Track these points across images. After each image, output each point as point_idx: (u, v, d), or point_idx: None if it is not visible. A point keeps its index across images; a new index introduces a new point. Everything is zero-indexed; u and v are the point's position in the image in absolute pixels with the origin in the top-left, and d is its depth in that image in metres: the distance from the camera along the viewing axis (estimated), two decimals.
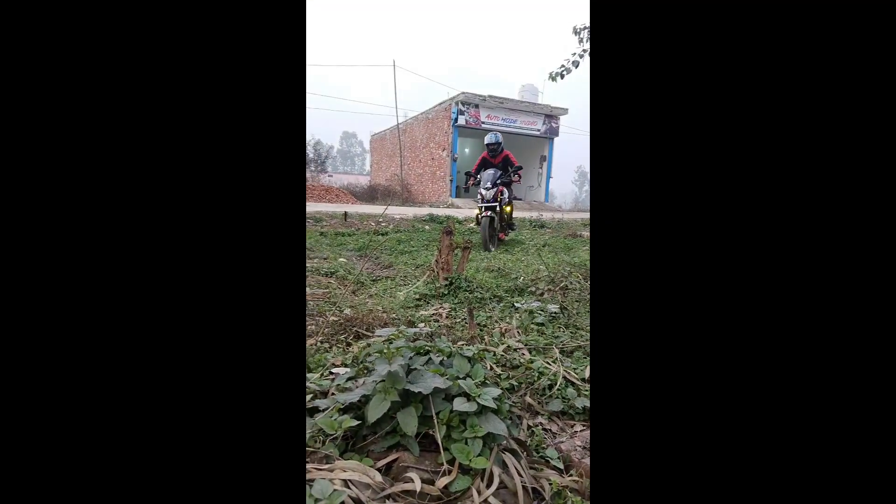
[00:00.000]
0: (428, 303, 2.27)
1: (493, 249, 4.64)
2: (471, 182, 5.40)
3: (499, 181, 5.02)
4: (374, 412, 0.87)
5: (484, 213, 4.82)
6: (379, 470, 0.83)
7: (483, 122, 16.43)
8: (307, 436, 0.86)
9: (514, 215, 5.95)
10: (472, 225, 6.90)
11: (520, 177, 5.17)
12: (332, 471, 0.78)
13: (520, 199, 5.41)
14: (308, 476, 0.77)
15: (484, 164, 5.32)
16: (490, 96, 16.56)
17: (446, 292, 2.40)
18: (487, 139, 5.31)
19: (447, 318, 1.99)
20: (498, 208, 4.94)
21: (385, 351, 1.04)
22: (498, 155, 5.27)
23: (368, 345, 1.42)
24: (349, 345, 1.58)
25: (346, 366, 1.30)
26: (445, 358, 1.16)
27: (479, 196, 5.07)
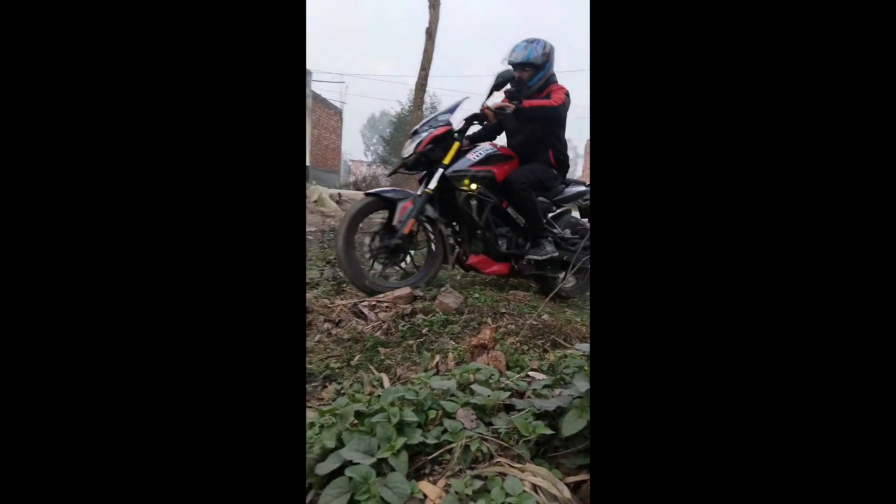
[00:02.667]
0: None
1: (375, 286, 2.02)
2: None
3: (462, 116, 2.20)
4: (570, 427, 0.86)
5: (368, 194, 2.13)
6: (567, 486, 0.82)
7: None
8: (502, 431, 0.92)
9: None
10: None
11: (549, 110, 2.17)
12: (522, 471, 0.81)
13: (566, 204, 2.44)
14: (499, 469, 0.82)
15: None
16: None
17: None
18: (510, 54, 2.33)
19: None
20: (431, 182, 2.11)
21: (585, 368, 1.02)
22: (534, 85, 2.31)
23: (565, 356, 1.41)
24: (545, 351, 1.60)
25: (542, 371, 1.32)
26: None
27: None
